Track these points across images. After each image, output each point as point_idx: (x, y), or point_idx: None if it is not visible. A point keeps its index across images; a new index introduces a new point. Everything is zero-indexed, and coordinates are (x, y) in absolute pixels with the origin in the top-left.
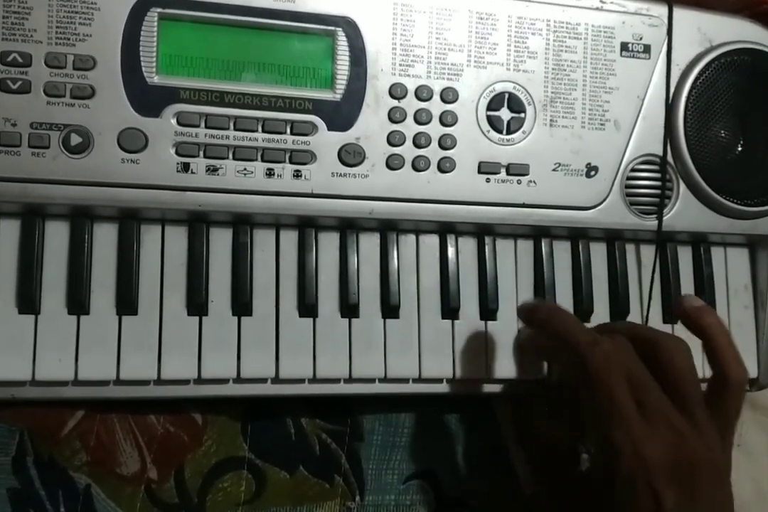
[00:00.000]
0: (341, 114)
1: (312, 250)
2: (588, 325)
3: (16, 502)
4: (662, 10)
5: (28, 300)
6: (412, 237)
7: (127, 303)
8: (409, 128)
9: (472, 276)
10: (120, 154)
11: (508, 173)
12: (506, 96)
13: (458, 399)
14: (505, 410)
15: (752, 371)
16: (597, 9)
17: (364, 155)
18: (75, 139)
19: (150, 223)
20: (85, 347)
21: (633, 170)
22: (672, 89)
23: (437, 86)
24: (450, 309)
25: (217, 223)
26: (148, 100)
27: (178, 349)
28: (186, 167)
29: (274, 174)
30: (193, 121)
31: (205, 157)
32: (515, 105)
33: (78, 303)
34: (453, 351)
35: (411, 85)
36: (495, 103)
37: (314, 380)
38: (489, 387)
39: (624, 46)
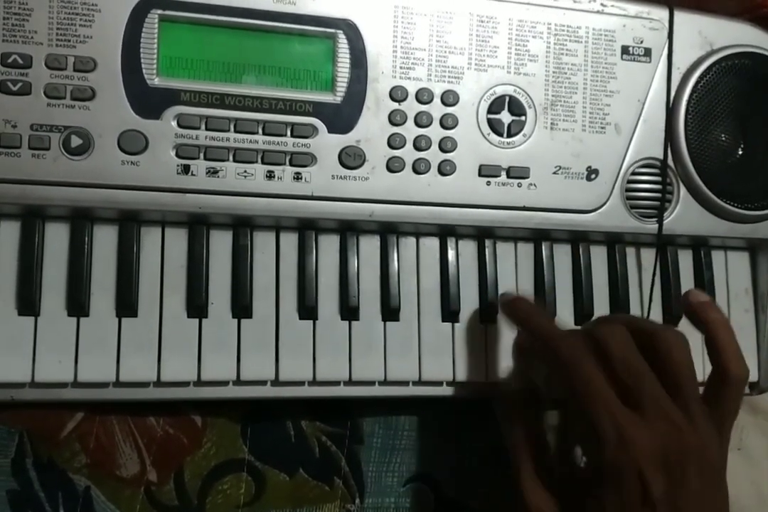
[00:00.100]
0: (342, 116)
1: (312, 252)
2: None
3: (15, 504)
4: (663, 14)
5: (27, 302)
6: (412, 239)
7: (127, 305)
8: (410, 131)
9: (472, 279)
10: (120, 155)
11: (508, 176)
12: (507, 99)
13: (458, 401)
14: (504, 411)
15: (753, 375)
16: (598, 12)
17: (365, 158)
18: (75, 141)
19: (150, 225)
20: (84, 349)
21: (633, 173)
22: (673, 93)
23: (438, 89)
24: (450, 312)
25: (218, 225)
26: (149, 102)
27: (178, 351)
28: (186, 169)
29: (274, 176)
30: (193, 123)
31: (205, 159)
32: (516, 108)
33: (78, 305)
34: (453, 354)
35: (411, 88)
36: (496, 106)
37: (314, 382)
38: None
39: (625, 50)
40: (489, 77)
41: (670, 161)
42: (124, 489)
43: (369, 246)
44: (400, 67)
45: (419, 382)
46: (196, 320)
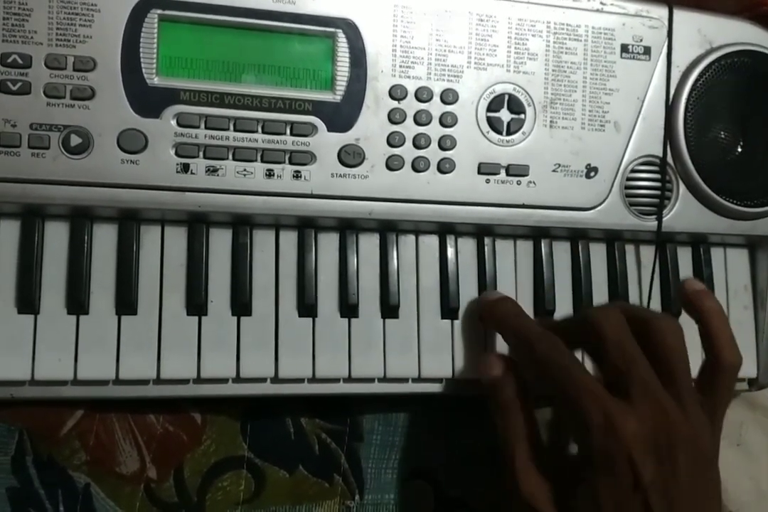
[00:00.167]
0: (341, 115)
1: (311, 250)
2: None
3: (15, 501)
4: (662, 12)
5: (27, 301)
6: (411, 237)
7: (126, 303)
8: (409, 129)
9: (471, 277)
10: (120, 154)
11: (507, 174)
12: (506, 97)
13: (458, 398)
14: (497, 399)
15: (751, 371)
16: (597, 11)
17: (364, 156)
18: (75, 140)
19: (150, 224)
20: (84, 347)
21: (633, 171)
22: (672, 91)
23: (437, 87)
24: (449, 310)
25: (217, 223)
26: (148, 101)
27: (178, 349)
28: (186, 168)
29: (273, 175)
30: (192, 122)
31: (204, 157)
32: (515, 106)
33: (77, 303)
34: (452, 351)
35: (411, 87)
36: (495, 105)
37: (313, 380)
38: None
39: (624, 48)
40: (488, 76)
41: (669, 159)
42: (123, 486)
43: (368, 244)
44: (400, 66)
45: (419, 379)
46: (196, 318)
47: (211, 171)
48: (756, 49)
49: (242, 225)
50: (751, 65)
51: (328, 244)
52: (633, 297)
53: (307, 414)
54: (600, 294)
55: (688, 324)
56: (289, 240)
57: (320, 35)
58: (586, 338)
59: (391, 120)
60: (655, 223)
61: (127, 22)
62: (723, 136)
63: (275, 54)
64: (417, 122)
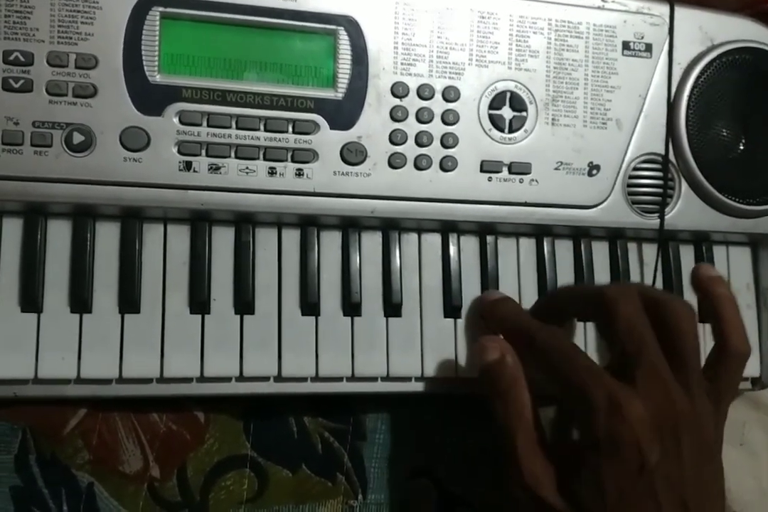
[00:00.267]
0: (343, 113)
1: (314, 248)
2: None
3: (18, 500)
4: (663, 9)
5: (30, 299)
6: (414, 235)
7: (129, 301)
8: (411, 127)
9: (474, 275)
10: (122, 152)
11: (510, 172)
12: (508, 95)
13: (461, 397)
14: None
15: (755, 370)
16: (598, 8)
17: (366, 154)
18: (77, 138)
19: (152, 222)
20: (87, 345)
21: (635, 169)
22: (674, 88)
23: (439, 85)
24: (452, 308)
25: (220, 221)
26: (150, 98)
27: (181, 348)
28: (188, 166)
29: (276, 172)
30: (195, 119)
31: (207, 155)
32: (517, 104)
33: (80, 301)
34: (455, 350)
35: (413, 84)
36: (497, 102)
37: (316, 378)
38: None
39: (625, 45)
40: (490, 73)
41: (671, 156)
42: (127, 485)
43: (371, 242)
44: (401, 63)
45: (421, 378)
46: (199, 316)
47: (214, 169)
48: (757, 46)
49: (245, 223)
50: (753, 62)
51: (330, 242)
52: None
53: (310, 413)
54: None
55: None
56: (292, 238)
57: (322, 33)
58: (597, 313)
59: (393, 117)
60: (658, 221)
61: (128, 20)
62: (725, 133)
63: (277, 51)
64: (419, 120)
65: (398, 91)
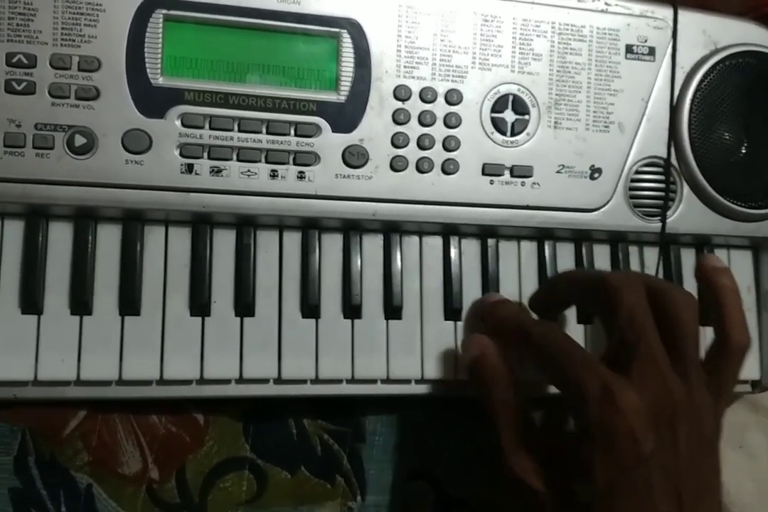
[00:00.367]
0: (345, 115)
1: (315, 251)
2: (589, 326)
3: (17, 502)
4: (667, 13)
5: (31, 301)
6: (415, 238)
7: (130, 303)
8: (413, 130)
9: (475, 278)
10: (124, 155)
11: (512, 175)
12: (510, 98)
13: (460, 400)
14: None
15: (755, 373)
16: (602, 11)
17: (368, 157)
18: (79, 140)
19: (153, 224)
20: (87, 347)
21: (637, 172)
22: (676, 91)
23: (441, 88)
24: (453, 311)
25: (221, 224)
26: (153, 101)
27: (181, 350)
28: (190, 168)
29: (278, 175)
30: (197, 122)
31: (209, 158)
32: (519, 107)
33: (81, 303)
34: (455, 353)
35: (415, 87)
36: (499, 105)
37: (316, 381)
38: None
39: (629, 49)
40: (493, 76)
41: (673, 160)
42: (126, 486)
43: (372, 245)
44: (404, 67)
45: (421, 380)
46: (199, 319)
47: (216, 171)
48: (761, 49)
49: (246, 226)
50: (756, 66)
51: (331, 245)
52: None
53: (309, 415)
54: None
55: None
56: (293, 241)
57: (324, 35)
58: (598, 301)
59: (396, 120)
60: (659, 224)
61: (132, 22)
62: (727, 137)
63: (280, 54)
64: (421, 123)
65: (401, 94)
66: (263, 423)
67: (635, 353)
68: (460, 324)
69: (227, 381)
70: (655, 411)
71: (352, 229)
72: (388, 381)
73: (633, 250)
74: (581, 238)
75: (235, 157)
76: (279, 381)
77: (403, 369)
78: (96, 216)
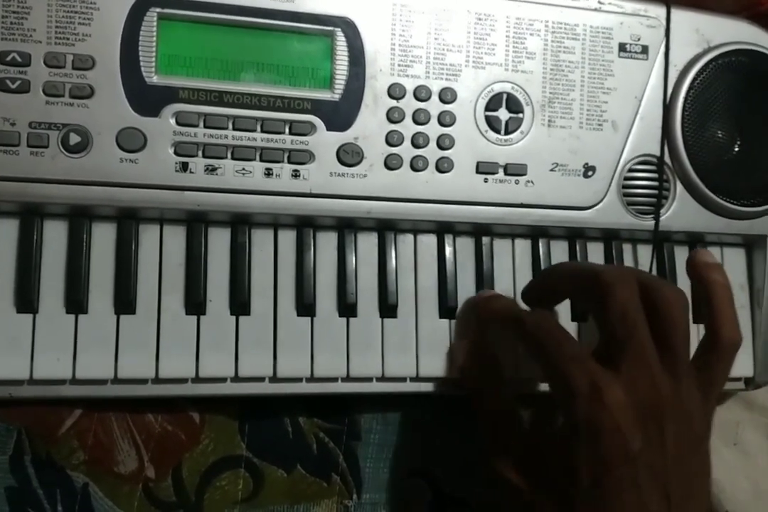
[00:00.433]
0: (340, 114)
1: (310, 249)
2: (584, 324)
3: (13, 501)
4: (660, 11)
5: (26, 300)
6: (410, 236)
7: (125, 302)
8: (408, 128)
9: (469, 276)
10: (119, 153)
11: (506, 173)
12: (504, 96)
13: (456, 398)
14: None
15: (748, 370)
16: (595, 10)
17: (363, 155)
18: (74, 139)
19: (148, 223)
20: (83, 346)
21: (630, 170)
22: (669, 90)
23: (436, 86)
24: (448, 309)
25: (216, 222)
26: (147, 99)
27: (176, 348)
28: (185, 167)
29: (272, 174)
30: (191, 120)
31: (203, 156)
32: (513, 105)
33: (76, 302)
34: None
35: (409, 86)
36: (493, 104)
37: (312, 379)
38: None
39: (622, 47)
40: (487, 75)
41: (666, 158)
42: (122, 485)
43: (367, 243)
44: (398, 65)
45: (417, 379)
46: (195, 317)
47: (210, 170)
48: (753, 48)
49: (241, 224)
50: (749, 64)
51: (326, 243)
52: None
53: (305, 413)
54: None
55: None
56: (288, 239)
57: (319, 34)
58: (590, 295)
59: (390, 119)
60: (653, 222)
61: (126, 21)
62: (720, 135)
63: (274, 52)
64: (416, 121)
65: (395, 92)
66: (259, 421)
67: (626, 349)
68: (454, 321)
69: (223, 380)
70: (643, 408)
71: (346, 227)
72: (383, 379)
73: (626, 248)
74: (575, 235)
75: (229, 155)
76: (274, 379)
77: (399, 367)
78: (91, 214)
